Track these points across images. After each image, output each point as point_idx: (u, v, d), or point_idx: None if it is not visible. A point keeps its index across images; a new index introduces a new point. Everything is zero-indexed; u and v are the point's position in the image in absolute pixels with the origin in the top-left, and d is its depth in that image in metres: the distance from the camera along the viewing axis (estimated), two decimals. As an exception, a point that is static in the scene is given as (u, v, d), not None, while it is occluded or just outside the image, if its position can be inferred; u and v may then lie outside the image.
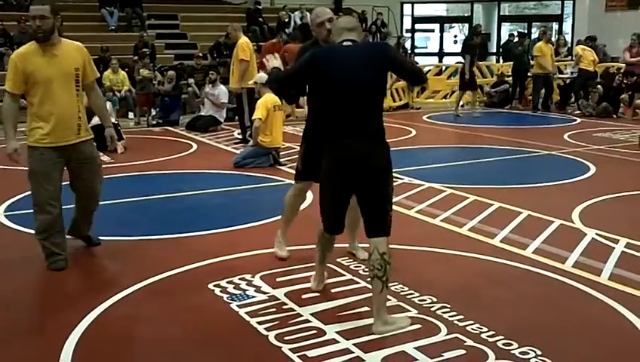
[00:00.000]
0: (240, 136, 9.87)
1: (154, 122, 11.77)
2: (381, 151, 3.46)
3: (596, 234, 5.09)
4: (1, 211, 5.88)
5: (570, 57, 15.08)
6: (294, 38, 13.31)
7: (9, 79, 4.21)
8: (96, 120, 9.39)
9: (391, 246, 4.63)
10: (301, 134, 4.49)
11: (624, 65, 13.26)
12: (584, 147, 9.09)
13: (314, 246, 4.69)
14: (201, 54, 14.12)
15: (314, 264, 4.08)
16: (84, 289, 4.24)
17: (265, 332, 3.42)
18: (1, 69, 13.01)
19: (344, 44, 3.51)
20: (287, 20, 16.44)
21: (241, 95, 9.49)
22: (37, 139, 4.26)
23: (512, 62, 14.41)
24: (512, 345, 3.27)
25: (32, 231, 4.63)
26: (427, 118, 12.65)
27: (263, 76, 8.13)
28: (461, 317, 3.58)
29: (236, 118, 10.46)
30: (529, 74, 13.45)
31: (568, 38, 19.06)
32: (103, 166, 7.85)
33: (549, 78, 13.03)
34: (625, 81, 12.55)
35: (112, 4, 15.73)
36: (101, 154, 8.57)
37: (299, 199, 4.63)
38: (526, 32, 18.45)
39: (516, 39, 15.21)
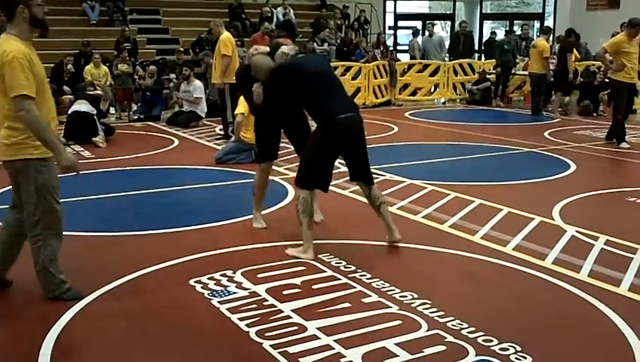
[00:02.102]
0: (222, 132, 9.83)
1: (135, 117, 11.68)
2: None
3: (576, 231, 5.14)
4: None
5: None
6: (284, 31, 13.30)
7: (29, 83, 3.47)
8: (77, 106, 9.38)
9: (371, 242, 4.66)
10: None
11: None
12: (564, 145, 9.17)
13: (296, 242, 4.72)
14: (182, 49, 14.02)
15: (289, 260, 4.06)
16: (63, 286, 4.19)
17: (246, 329, 3.41)
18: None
19: (300, 55, 4.82)
20: (269, 16, 16.37)
21: (224, 90, 9.44)
22: (45, 150, 3.60)
23: (494, 60, 14.50)
24: (492, 341, 3.29)
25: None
26: (409, 114, 12.68)
27: None
28: (442, 313, 3.59)
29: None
30: (527, 72, 13.36)
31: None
32: (84, 161, 7.84)
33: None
34: (606, 80, 12.67)
35: (94, -2, 15.56)
36: (81, 149, 8.61)
37: (266, 179, 5.22)
38: (509, 29, 18.59)
39: (501, 37, 15.31)
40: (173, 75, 12.65)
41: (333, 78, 4.70)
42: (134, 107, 12.14)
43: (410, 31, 19.16)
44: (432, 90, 15.16)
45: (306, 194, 4.44)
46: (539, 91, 12.54)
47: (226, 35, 9.52)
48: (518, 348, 3.21)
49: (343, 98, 4.60)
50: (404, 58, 17.29)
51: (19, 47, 3.53)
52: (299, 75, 4.50)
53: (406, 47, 21.54)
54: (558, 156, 8.35)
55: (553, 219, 5.49)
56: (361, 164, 4.65)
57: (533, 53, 12.45)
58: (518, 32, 16.00)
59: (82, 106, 9.37)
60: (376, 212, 4.72)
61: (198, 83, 11.20)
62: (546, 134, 10.13)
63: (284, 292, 3.87)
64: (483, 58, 16.70)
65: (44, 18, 3.70)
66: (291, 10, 17.03)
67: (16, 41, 3.56)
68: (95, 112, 9.34)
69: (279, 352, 3.16)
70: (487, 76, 14.45)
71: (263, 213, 5.36)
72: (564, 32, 13.31)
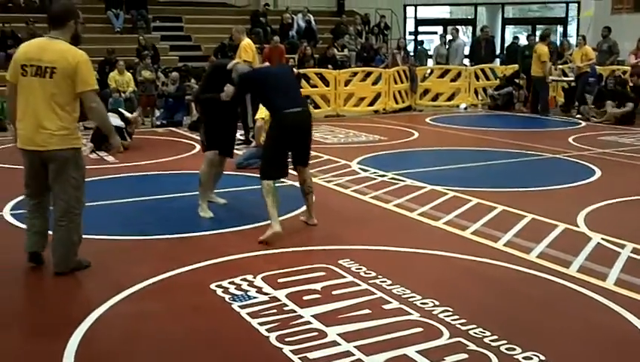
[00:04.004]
0: (242, 137, 9.86)
1: (158, 123, 11.78)
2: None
3: (602, 238, 5.06)
4: (7, 210, 5.87)
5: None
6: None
7: (95, 78, 4.23)
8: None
9: (392, 248, 4.64)
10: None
11: (629, 68, 13.27)
12: (589, 150, 9.05)
13: (316, 247, 4.72)
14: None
15: (309, 265, 4.03)
16: (88, 288, 4.23)
17: (266, 334, 3.40)
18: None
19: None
20: (290, 22, 16.44)
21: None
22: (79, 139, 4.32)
23: (516, 65, 14.41)
24: (515, 349, 3.24)
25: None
26: (430, 120, 12.62)
27: (245, 67, 8.08)
28: (464, 320, 3.55)
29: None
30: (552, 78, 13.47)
31: (572, 41, 18.99)
32: (108, 166, 7.92)
33: None
34: (630, 84, 12.54)
35: (118, 7, 15.76)
36: (105, 154, 8.69)
37: (212, 169, 5.76)
38: (531, 34, 18.42)
39: (525, 42, 15.26)
40: (193, 81, 12.70)
41: (288, 81, 5.38)
42: (157, 113, 12.24)
43: (431, 36, 19.17)
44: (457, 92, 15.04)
45: (268, 182, 4.99)
46: (543, 94, 13.06)
47: (246, 41, 9.57)
48: (542, 357, 3.16)
49: (294, 96, 5.22)
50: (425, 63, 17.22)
51: (81, 51, 4.12)
52: (258, 77, 5.48)
53: (427, 52, 21.53)
54: (582, 162, 8.24)
55: (578, 226, 5.41)
56: (303, 153, 5.27)
57: (534, 57, 12.78)
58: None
59: (112, 120, 9.36)
60: (304, 196, 5.36)
61: None
62: (570, 140, 10.01)
63: (305, 298, 3.86)
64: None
65: (81, 34, 4.42)
66: (312, 17, 17.08)
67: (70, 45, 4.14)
68: (124, 126, 9.36)
69: (299, 358, 3.15)
70: (517, 80, 14.36)
71: (283, 218, 5.38)
72: None
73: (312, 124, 5.31)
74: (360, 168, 7.74)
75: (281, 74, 5.56)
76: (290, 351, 3.22)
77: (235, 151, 8.92)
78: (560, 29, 21.32)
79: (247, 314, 3.65)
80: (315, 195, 5.52)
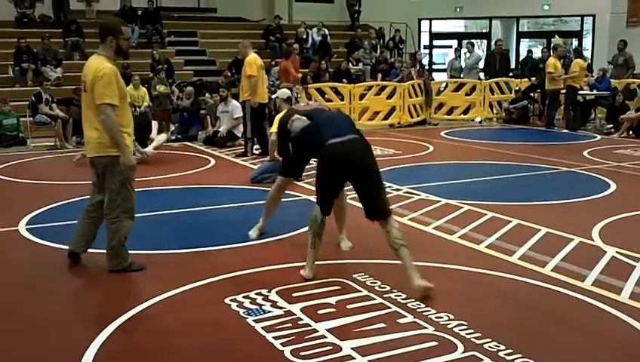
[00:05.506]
0: (257, 152, 9.93)
1: (173, 137, 11.89)
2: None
3: (616, 252, 5.03)
4: (22, 224, 5.95)
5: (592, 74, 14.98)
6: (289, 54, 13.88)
7: (114, 95, 4.37)
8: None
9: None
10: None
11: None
12: (604, 164, 9.00)
13: (330, 261, 4.74)
14: (229, 73, 14.18)
15: (324, 279, 4.05)
16: (103, 303, 4.27)
17: (281, 348, 3.42)
18: (24, 85, 13.25)
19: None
20: (304, 37, 16.54)
21: (256, 108, 9.64)
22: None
23: (533, 78, 14.39)
24: (530, 363, 3.23)
25: (56, 246, 4.62)
26: (445, 134, 12.62)
27: (285, 92, 8.18)
28: (478, 334, 3.55)
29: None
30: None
31: (587, 54, 18.92)
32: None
33: None
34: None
35: (133, 21, 15.96)
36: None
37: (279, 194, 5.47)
38: (546, 47, 18.39)
39: (539, 54, 15.27)
40: (208, 95, 12.81)
41: (337, 116, 4.71)
42: (172, 127, 12.36)
43: (447, 50, 19.16)
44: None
45: (317, 212, 4.41)
46: (553, 107, 13.14)
47: (252, 56, 9.67)
48: (558, 372, 3.15)
49: (341, 127, 4.45)
50: (439, 77, 17.25)
51: (108, 65, 4.43)
52: (303, 134, 4.67)
53: (441, 67, 21.60)
54: (597, 176, 8.20)
55: (593, 240, 5.38)
56: (368, 194, 4.33)
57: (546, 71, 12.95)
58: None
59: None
60: (395, 254, 4.30)
61: (235, 103, 11.34)
62: (585, 153, 9.96)
63: (319, 312, 3.87)
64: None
65: (127, 50, 4.69)
66: (327, 31, 17.18)
67: (106, 60, 4.47)
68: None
69: (314, 372, 3.16)
70: (531, 94, 14.34)
71: (297, 232, 5.41)
72: None
73: (371, 157, 4.37)
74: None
75: (325, 113, 4.87)
76: (305, 364, 3.23)
77: (250, 165, 9.03)
78: (575, 42, 21.24)
79: (262, 328, 3.67)
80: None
